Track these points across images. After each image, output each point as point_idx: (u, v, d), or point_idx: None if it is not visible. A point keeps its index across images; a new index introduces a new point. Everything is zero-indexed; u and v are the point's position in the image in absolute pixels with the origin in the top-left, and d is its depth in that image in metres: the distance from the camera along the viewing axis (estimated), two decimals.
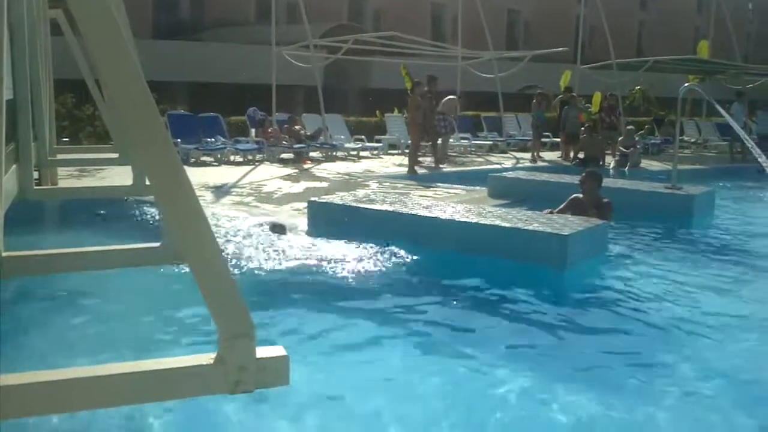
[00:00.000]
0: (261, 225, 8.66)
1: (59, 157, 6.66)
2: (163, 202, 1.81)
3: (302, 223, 8.89)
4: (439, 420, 4.21)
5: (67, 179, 11.26)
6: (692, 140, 25.10)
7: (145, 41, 26.66)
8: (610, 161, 18.24)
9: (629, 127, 19.96)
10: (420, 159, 16.77)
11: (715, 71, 26.31)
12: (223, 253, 1.81)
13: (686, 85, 13.48)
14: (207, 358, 1.80)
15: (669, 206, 10.61)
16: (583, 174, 9.11)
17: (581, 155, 17.96)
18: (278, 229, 8.54)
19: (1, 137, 2.50)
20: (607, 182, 11.22)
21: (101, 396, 1.75)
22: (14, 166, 3.61)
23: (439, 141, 17.24)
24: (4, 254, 2.41)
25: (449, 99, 18.35)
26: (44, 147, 5.07)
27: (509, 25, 47.87)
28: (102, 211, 8.85)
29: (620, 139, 18.97)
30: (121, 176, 4.98)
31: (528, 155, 19.64)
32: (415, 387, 4.63)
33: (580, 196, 8.80)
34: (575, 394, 4.52)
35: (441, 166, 16.80)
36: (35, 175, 4.72)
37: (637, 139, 19.71)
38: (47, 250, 2.76)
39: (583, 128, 18.57)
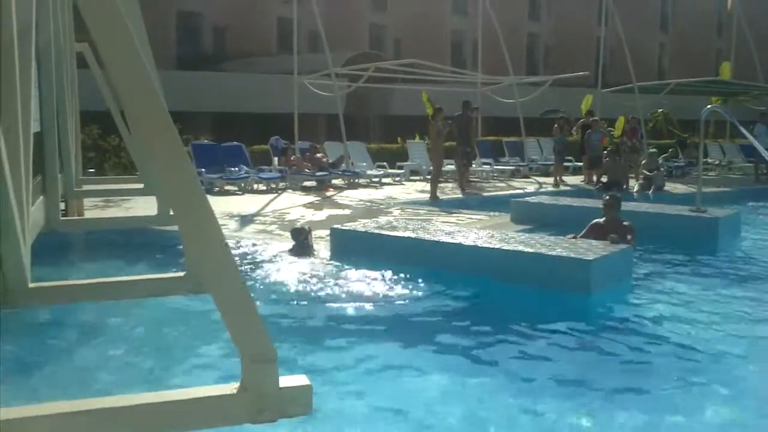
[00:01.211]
0: (282, 252, 8.74)
1: (85, 188, 6.74)
2: (186, 231, 1.82)
3: (325, 250, 8.90)
4: None
5: (93, 210, 11.39)
6: (716, 162, 24.90)
7: (168, 72, 27.04)
8: (634, 185, 18.13)
9: (652, 150, 19.85)
10: (441, 185, 16.85)
11: (738, 92, 26.16)
12: (245, 282, 1.82)
13: (708, 107, 13.42)
14: (230, 387, 1.80)
15: (694, 229, 10.51)
16: (605, 198, 9.06)
17: (604, 179, 17.87)
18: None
19: (29, 169, 2.54)
20: (631, 206, 11.16)
21: (124, 426, 1.76)
22: (41, 197, 3.66)
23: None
24: (31, 285, 2.44)
25: None
26: (70, 178, 5.13)
27: (529, 49, 48.01)
28: None
29: (643, 162, 18.87)
30: (146, 206, 5.03)
31: (550, 180, 19.58)
32: (436, 412, 4.59)
33: (601, 221, 8.75)
34: (599, 420, 4.47)
35: (467, 191, 16.86)
36: (62, 206, 4.77)
37: (660, 161, 19.59)
38: (72, 281, 2.79)
39: (605, 152, 18.49)
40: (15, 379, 4.92)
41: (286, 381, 1.81)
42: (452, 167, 18.42)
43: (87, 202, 10.69)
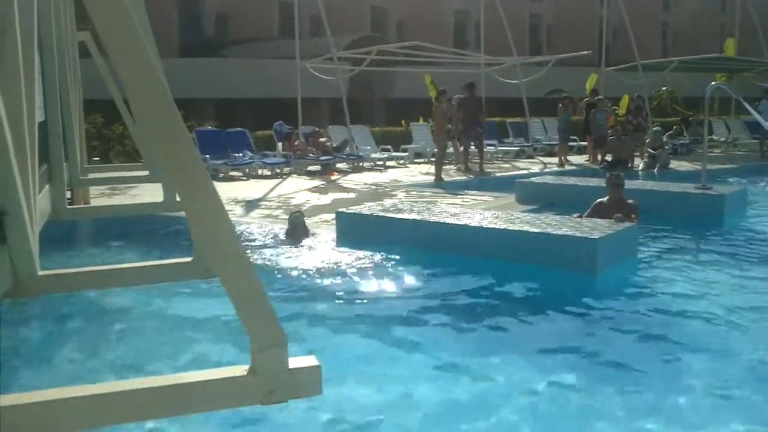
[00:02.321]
0: (284, 234, 8.81)
1: (90, 176, 6.76)
2: (193, 217, 1.84)
3: (331, 234, 8.92)
4: (469, 422, 4.20)
5: (99, 198, 11.42)
6: (721, 139, 24.80)
7: (171, 59, 27.00)
8: (639, 163, 18.09)
9: (656, 128, 19.78)
10: (446, 167, 16.87)
11: (742, 69, 26.00)
12: (253, 266, 1.84)
13: (713, 83, 13.34)
14: (240, 369, 1.82)
15: (700, 206, 10.50)
16: (608, 177, 9.03)
17: (609, 158, 17.82)
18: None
19: (35, 158, 2.55)
20: (636, 184, 11.16)
21: (133, 410, 1.78)
22: (47, 186, 3.68)
23: (461, 149, 17.47)
24: (40, 273, 2.46)
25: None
26: (76, 167, 5.15)
27: (532, 30, 47.78)
28: None
29: (648, 140, 18.82)
30: (151, 193, 5.06)
31: (555, 160, 19.54)
32: (445, 393, 4.62)
33: (605, 200, 8.74)
34: (608, 398, 4.49)
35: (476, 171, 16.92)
36: (68, 194, 4.80)
37: (665, 139, 19.53)
38: (81, 268, 2.81)
39: (610, 131, 18.42)
40: (24, 365, 4.97)
41: (296, 362, 1.83)
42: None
43: (93, 190, 10.72)
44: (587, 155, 19.93)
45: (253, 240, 8.85)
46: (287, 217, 9.42)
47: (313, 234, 8.88)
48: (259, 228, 9.56)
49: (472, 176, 16.32)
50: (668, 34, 52.15)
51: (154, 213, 6.81)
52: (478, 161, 17.60)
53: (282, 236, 8.86)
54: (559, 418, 4.30)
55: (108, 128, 18.22)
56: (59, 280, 2.62)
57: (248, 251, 8.15)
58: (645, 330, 5.80)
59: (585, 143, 20.31)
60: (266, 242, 8.71)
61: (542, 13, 49.05)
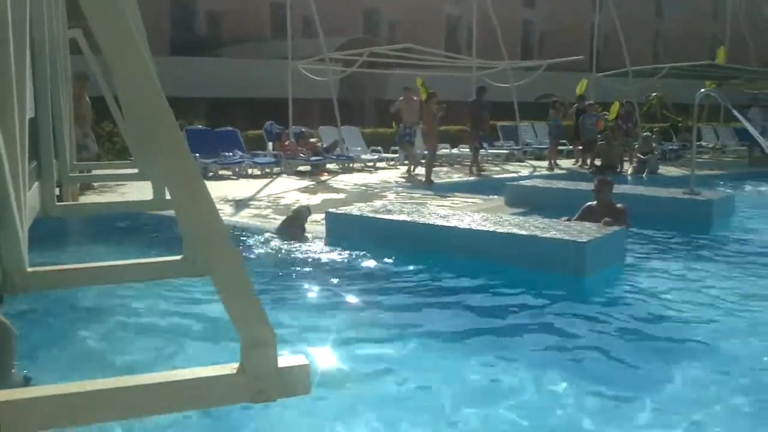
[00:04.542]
0: (278, 233, 8.81)
1: (80, 173, 6.73)
2: (183, 215, 1.83)
3: (320, 233, 8.93)
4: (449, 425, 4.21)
5: (88, 195, 11.38)
6: (710, 146, 24.96)
7: (162, 58, 26.90)
8: (628, 168, 18.17)
9: (646, 134, 19.90)
10: (436, 169, 16.91)
11: (731, 76, 26.17)
12: (244, 264, 1.84)
13: (702, 90, 13.42)
14: (229, 368, 1.82)
15: (688, 212, 10.56)
16: (595, 182, 9.08)
17: (598, 162, 17.91)
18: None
19: (25, 155, 2.54)
20: (625, 189, 11.21)
21: (124, 407, 1.77)
22: (36, 183, 3.66)
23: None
24: (28, 269, 2.45)
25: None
26: (65, 164, 5.13)
27: (524, 35, 47.92)
28: None
29: (637, 145, 18.93)
30: (141, 191, 5.04)
31: (545, 163, 19.61)
32: (431, 395, 4.63)
33: (593, 204, 8.78)
34: (594, 402, 4.51)
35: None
36: (57, 191, 4.78)
37: (654, 145, 19.65)
38: (70, 265, 2.80)
39: (600, 135, 18.52)
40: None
41: (285, 361, 1.83)
42: (446, 151, 18.49)
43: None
44: (577, 159, 20.03)
45: (243, 238, 8.84)
46: (276, 217, 9.40)
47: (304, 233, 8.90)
48: (248, 226, 9.54)
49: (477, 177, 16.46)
50: (659, 41, 52.38)
51: (143, 211, 6.79)
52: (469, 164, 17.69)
53: (273, 233, 8.85)
54: (540, 422, 4.31)
55: (98, 125, 18.14)
56: (48, 276, 2.61)
57: (238, 249, 8.13)
58: (633, 334, 5.83)
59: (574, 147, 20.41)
60: (256, 241, 8.70)
61: (534, 19, 49.20)
